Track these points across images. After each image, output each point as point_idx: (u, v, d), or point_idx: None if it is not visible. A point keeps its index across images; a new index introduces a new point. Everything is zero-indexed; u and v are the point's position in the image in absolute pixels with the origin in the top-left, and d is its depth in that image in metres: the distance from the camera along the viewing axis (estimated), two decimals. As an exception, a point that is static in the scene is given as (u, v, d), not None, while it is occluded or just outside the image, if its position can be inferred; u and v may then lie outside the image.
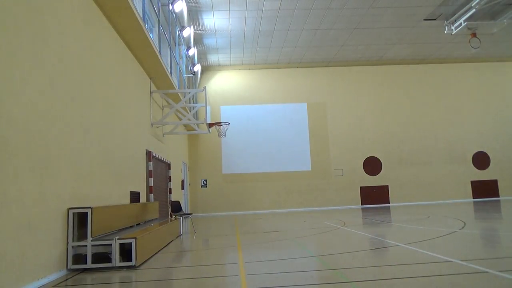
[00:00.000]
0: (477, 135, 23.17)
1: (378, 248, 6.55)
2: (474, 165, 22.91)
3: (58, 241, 5.11)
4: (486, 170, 22.93)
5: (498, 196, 22.69)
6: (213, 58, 21.09)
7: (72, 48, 5.92)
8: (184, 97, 13.73)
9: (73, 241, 5.38)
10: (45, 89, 4.99)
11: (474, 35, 17.95)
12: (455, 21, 17.16)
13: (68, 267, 5.31)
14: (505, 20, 16.98)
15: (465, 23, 16.69)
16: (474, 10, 15.73)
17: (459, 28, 17.11)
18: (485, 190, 22.66)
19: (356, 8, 16.13)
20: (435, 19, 17.62)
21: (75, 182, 5.72)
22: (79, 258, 5.44)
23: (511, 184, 22.74)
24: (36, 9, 4.88)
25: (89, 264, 5.40)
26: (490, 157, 23.02)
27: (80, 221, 5.55)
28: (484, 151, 23.07)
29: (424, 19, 17.60)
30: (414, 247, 6.06)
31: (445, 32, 17.92)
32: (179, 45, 15.84)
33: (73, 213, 5.44)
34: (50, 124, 5.07)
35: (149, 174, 10.70)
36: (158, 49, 10.63)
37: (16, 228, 4.16)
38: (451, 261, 4.85)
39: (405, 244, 6.41)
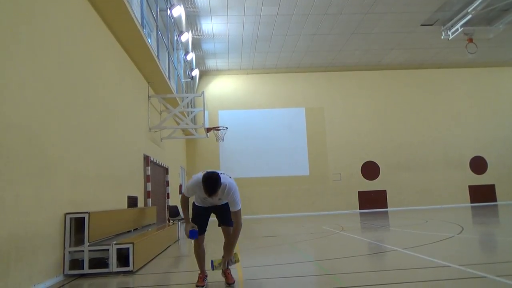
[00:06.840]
0: (474, 140, 23.23)
1: (376, 253, 6.54)
2: (472, 170, 22.96)
3: (54, 247, 5.08)
4: (484, 175, 22.97)
5: (495, 201, 22.72)
6: (211, 63, 21.14)
7: (69, 53, 5.92)
8: (182, 101, 13.73)
9: (70, 246, 5.34)
10: (42, 94, 4.99)
11: (470, 40, 18.06)
12: (452, 26, 17.28)
13: (65, 273, 5.27)
14: (501, 26, 17.11)
15: (462, 28, 16.81)
16: (470, 15, 15.86)
17: (455, 34, 17.23)
18: (482, 195, 22.68)
19: (353, 14, 16.22)
20: (432, 25, 17.74)
21: (72, 187, 5.70)
22: (76, 263, 5.40)
23: (508, 189, 22.77)
24: (33, 14, 4.88)
25: (86, 270, 5.36)
26: (487, 162, 23.08)
27: (77, 226, 5.52)
28: (481, 156, 23.14)
29: (421, 25, 17.72)
30: (412, 252, 6.05)
31: (442, 37, 18.04)
32: (177, 50, 15.86)
33: (70, 218, 5.41)
34: (47, 129, 5.06)
35: (147, 179, 10.66)
36: (156, 54, 10.64)
37: (12, 233, 4.13)
38: (450, 266, 4.84)
39: (403, 249, 6.40)
